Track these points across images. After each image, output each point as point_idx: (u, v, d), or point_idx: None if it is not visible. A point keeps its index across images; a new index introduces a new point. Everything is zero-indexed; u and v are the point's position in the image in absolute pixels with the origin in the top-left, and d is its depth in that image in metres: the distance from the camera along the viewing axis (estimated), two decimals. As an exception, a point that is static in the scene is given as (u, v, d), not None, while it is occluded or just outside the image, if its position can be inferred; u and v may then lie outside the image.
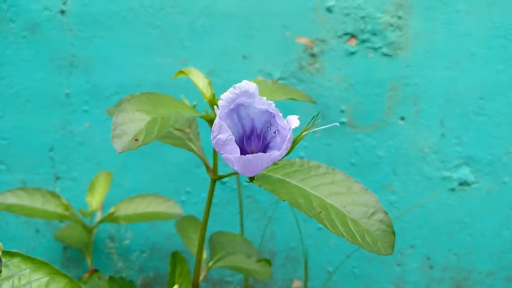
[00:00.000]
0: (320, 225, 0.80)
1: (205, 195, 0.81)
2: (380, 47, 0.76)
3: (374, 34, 0.76)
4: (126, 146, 0.33)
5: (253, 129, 0.34)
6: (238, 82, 0.81)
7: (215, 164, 0.47)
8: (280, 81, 0.78)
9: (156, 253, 0.83)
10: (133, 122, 0.35)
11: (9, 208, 0.66)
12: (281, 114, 0.32)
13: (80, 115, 0.79)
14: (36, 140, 0.80)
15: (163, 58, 0.78)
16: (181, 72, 0.46)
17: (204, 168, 0.80)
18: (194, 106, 0.47)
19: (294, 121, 0.31)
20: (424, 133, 0.78)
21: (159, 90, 0.78)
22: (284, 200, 0.41)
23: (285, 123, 0.31)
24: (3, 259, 0.38)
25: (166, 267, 0.83)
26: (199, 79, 0.45)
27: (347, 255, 0.81)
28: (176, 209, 0.69)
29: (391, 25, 0.76)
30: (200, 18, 0.77)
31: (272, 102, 0.32)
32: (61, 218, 0.68)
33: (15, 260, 0.39)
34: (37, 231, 0.82)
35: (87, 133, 0.80)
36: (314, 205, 0.41)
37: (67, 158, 0.80)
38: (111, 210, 0.71)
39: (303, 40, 0.77)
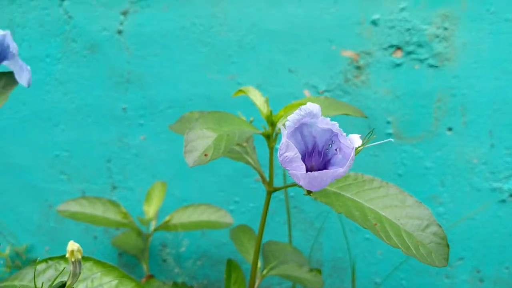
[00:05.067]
0: (368, 235, 0.81)
1: (252, 204, 0.84)
2: (426, 58, 0.77)
3: (419, 45, 0.76)
4: (197, 160, 0.36)
5: (314, 147, 0.36)
6: (285, 95, 0.83)
7: (271, 177, 0.49)
8: (326, 94, 0.80)
9: (207, 260, 0.86)
10: (201, 139, 0.38)
11: (73, 216, 0.71)
12: (344, 134, 0.34)
13: (135, 128, 0.84)
14: (94, 152, 0.86)
15: (213, 74, 0.81)
16: (240, 91, 0.49)
17: (251, 178, 0.83)
18: (251, 122, 0.49)
19: (356, 140, 0.33)
20: (473, 143, 0.77)
21: (210, 104, 0.81)
22: (340, 213, 0.43)
23: (348, 142, 0.33)
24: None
25: (216, 274, 0.86)
26: (257, 97, 0.47)
27: (395, 267, 0.81)
28: (227, 219, 0.72)
29: (437, 36, 0.76)
30: (248, 35, 0.80)
31: (335, 122, 0.34)
32: (120, 225, 0.73)
33: (88, 264, 0.43)
34: (95, 237, 0.88)
35: (142, 145, 0.84)
36: (369, 217, 0.43)
37: (123, 169, 0.85)
38: (167, 218, 0.75)
39: (349, 53, 0.78)
